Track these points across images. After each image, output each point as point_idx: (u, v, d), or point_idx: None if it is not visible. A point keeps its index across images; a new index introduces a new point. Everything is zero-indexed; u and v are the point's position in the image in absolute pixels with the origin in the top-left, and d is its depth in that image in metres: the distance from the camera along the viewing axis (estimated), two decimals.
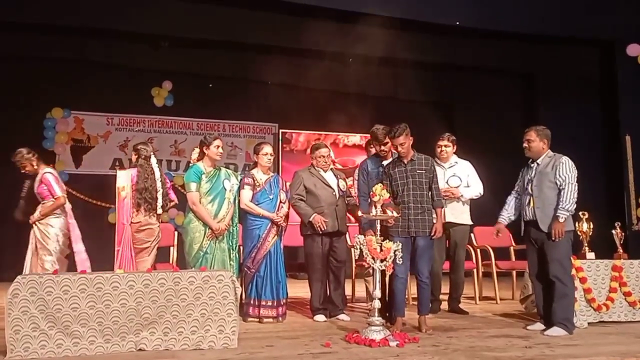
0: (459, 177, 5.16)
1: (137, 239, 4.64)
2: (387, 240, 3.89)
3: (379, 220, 3.96)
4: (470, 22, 7.66)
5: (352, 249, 4.01)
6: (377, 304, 3.85)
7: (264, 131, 9.88)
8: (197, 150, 4.81)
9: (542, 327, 4.23)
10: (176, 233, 5.84)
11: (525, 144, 4.35)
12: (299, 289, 6.27)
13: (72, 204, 5.08)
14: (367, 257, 3.85)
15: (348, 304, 5.45)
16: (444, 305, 5.33)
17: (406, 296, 4.96)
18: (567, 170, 4.18)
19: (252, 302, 4.62)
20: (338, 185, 4.88)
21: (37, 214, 4.94)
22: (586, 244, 4.74)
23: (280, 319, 4.63)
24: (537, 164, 4.32)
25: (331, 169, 4.99)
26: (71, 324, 3.37)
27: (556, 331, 4.06)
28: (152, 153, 4.85)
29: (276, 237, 4.71)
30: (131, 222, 4.63)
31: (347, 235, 5.12)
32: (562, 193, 4.14)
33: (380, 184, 4.05)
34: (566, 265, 4.22)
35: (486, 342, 3.82)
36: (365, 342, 3.65)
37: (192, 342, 3.50)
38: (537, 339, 3.94)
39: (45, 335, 3.34)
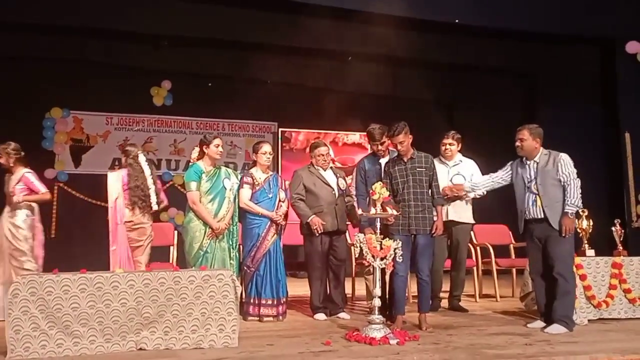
0: (463, 176, 5.15)
1: (129, 239, 4.66)
2: (387, 239, 3.89)
3: (378, 219, 3.96)
4: (471, 21, 7.65)
5: (352, 248, 4.01)
6: (377, 302, 3.85)
7: (263, 130, 9.88)
8: (196, 149, 4.81)
9: (542, 324, 4.23)
10: (176, 232, 5.84)
11: (517, 143, 4.34)
12: (299, 288, 6.26)
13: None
14: (367, 255, 3.85)
15: (348, 303, 5.46)
16: (444, 303, 5.34)
17: (406, 294, 4.96)
18: (569, 167, 4.23)
19: (252, 301, 4.62)
20: (337, 184, 4.88)
21: (16, 198, 4.93)
22: (586, 241, 4.75)
23: (280, 317, 4.63)
24: (536, 162, 4.32)
25: (331, 167, 4.99)
26: (71, 323, 3.37)
27: (556, 328, 4.06)
28: (139, 152, 4.86)
29: (276, 235, 4.71)
30: (125, 221, 4.67)
31: (347, 234, 5.12)
32: (568, 189, 4.18)
33: (379, 182, 4.05)
34: (570, 262, 4.25)
35: (486, 339, 3.82)
36: (365, 340, 3.65)
37: (192, 341, 3.51)
38: (537, 336, 3.95)
39: (45, 335, 3.34)
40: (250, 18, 7.72)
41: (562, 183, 4.21)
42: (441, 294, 5.31)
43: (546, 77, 9.21)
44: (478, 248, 6.06)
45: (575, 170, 4.24)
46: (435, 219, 4.26)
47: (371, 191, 3.98)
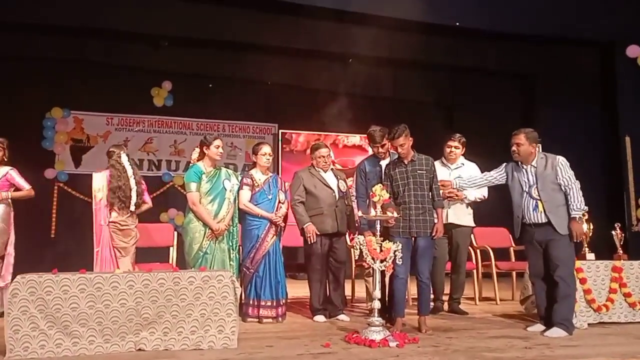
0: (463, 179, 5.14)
1: (115, 239, 4.70)
2: (387, 241, 3.89)
3: (378, 221, 3.95)
4: (471, 23, 7.66)
5: (352, 250, 4.00)
6: (376, 304, 3.84)
7: (263, 131, 9.88)
8: (197, 150, 4.81)
9: (542, 327, 4.22)
10: (176, 233, 5.83)
11: (514, 148, 4.31)
12: (298, 290, 6.26)
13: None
14: (367, 257, 3.85)
15: (348, 305, 5.45)
16: (445, 306, 5.33)
17: (406, 297, 4.95)
18: (568, 170, 4.23)
19: (251, 302, 4.61)
20: (338, 186, 4.87)
21: (5, 194, 5.00)
22: (586, 245, 4.73)
23: (279, 319, 4.62)
24: (534, 166, 4.30)
25: (331, 169, 4.99)
26: (70, 323, 3.36)
27: (556, 332, 4.05)
28: (122, 153, 4.89)
29: (275, 237, 4.70)
30: (110, 222, 4.71)
31: (347, 236, 5.12)
32: (570, 194, 4.17)
33: (379, 185, 4.04)
34: (571, 266, 4.24)
35: (486, 342, 3.81)
36: (365, 342, 3.64)
37: (191, 342, 3.50)
38: (537, 339, 3.94)
39: (44, 335, 3.33)
40: (251, 19, 7.74)
41: (563, 187, 4.20)
42: (442, 297, 5.30)
43: (546, 80, 9.22)
44: (478, 251, 6.05)
45: (573, 173, 4.23)
46: (435, 221, 4.25)
47: (371, 193, 3.97)
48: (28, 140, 8.46)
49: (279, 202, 4.77)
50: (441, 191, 4.48)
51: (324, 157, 4.87)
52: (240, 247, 4.84)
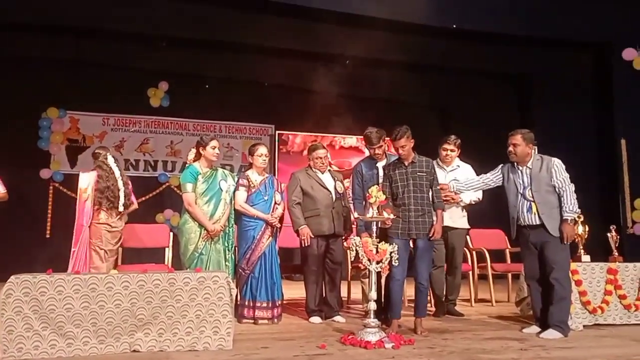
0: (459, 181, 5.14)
1: (103, 240, 4.73)
2: (383, 242, 3.88)
3: (375, 222, 3.95)
4: (467, 25, 7.67)
5: (348, 251, 4.00)
6: (372, 305, 3.84)
7: (260, 132, 9.88)
8: (193, 150, 4.80)
9: (538, 329, 4.22)
10: (171, 234, 5.82)
11: (510, 148, 4.31)
12: (294, 291, 6.25)
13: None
14: (363, 258, 3.85)
15: (344, 306, 5.44)
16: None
17: (402, 298, 4.95)
18: (563, 173, 4.23)
19: (247, 303, 4.60)
20: (335, 187, 4.87)
21: None
22: (582, 247, 4.75)
23: (275, 320, 4.61)
24: (529, 168, 4.31)
25: (329, 170, 4.98)
26: (65, 324, 3.35)
27: (552, 334, 4.06)
28: (108, 154, 4.96)
29: (271, 238, 4.69)
30: (98, 223, 4.73)
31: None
32: (564, 196, 4.18)
33: (376, 186, 4.04)
34: (566, 268, 4.25)
35: (482, 344, 3.81)
36: (360, 343, 3.64)
37: (186, 343, 3.49)
38: (532, 341, 3.94)
39: (38, 335, 3.31)
40: (248, 20, 7.72)
41: (557, 189, 4.21)
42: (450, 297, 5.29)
43: (542, 81, 9.24)
44: (474, 253, 6.06)
45: (568, 175, 4.24)
46: (434, 222, 4.24)
47: (367, 194, 3.97)
48: (24, 140, 8.45)
49: (275, 203, 4.76)
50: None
51: (321, 158, 4.86)
52: (236, 248, 4.83)
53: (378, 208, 3.92)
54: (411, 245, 4.26)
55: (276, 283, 4.66)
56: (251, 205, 4.67)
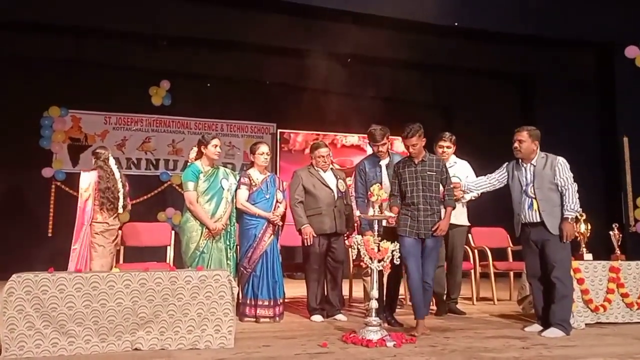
0: (458, 178, 5.13)
1: (101, 240, 4.78)
2: (385, 240, 3.88)
3: (376, 221, 3.94)
4: (469, 24, 7.65)
5: (350, 249, 3.99)
6: (374, 304, 3.83)
7: (262, 131, 9.87)
8: (195, 149, 4.80)
9: (540, 328, 4.22)
10: (173, 232, 5.82)
11: (516, 144, 4.31)
12: (296, 289, 6.25)
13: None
14: (365, 257, 3.84)
15: (345, 304, 5.44)
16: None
17: (402, 295, 4.96)
18: (566, 171, 4.22)
19: (248, 301, 4.60)
20: (337, 186, 4.86)
21: None
22: (584, 245, 4.74)
23: (277, 319, 4.61)
24: (533, 165, 4.30)
25: (331, 168, 4.97)
26: (67, 323, 3.35)
27: (554, 332, 4.05)
28: (109, 155, 5.06)
29: (272, 236, 4.69)
30: (96, 222, 4.79)
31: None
32: (566, 194, 4.17)
33: (377, 184, 4.03)
34: (567, 266, 4.24)
35: (483, 342, 3.81)
36: (362, 342, 3.64)
37: (188, 342, 3.49)
38: (534, 340, 3.94)
39: (40, 334, 3.32)
40: (250, 19, 7.72)
41: (560, 187, 4.20)
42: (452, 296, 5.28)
43: (544, 81, 9.23)
44: (476, 251, 6.05)
45: (572, 175, 4.23)
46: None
47: (369, 193, 3.96)
48: (26, 139, 8.45)
49: (277, 201, 4.76)
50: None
51: (323, 156, 4.85)
52: (238, 247, 4.83)
53: (380, 206, 3.91)
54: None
55: (278, 281, 4.66)
56: (253, 204, 4.67)
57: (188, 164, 4.82)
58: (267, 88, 9.49)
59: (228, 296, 3.57)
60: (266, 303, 4.58)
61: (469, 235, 5.83)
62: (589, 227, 4.74)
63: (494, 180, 4.56)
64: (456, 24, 7.60)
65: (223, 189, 4.67)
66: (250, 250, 4.62)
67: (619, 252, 4.86)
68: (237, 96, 9.39)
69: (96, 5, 7.19)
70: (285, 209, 4.85)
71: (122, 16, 7.33)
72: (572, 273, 4.36)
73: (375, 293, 3.85)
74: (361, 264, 4.24)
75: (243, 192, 4.69)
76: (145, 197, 8.96)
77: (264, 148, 4.80)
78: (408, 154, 4.31)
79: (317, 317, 4.70)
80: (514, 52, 8.77)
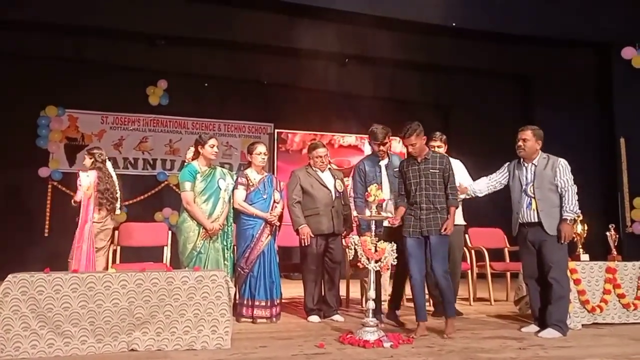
0: None
1: (97, 240, 4.83)
2: (382, 241, 3.87)
3: (374, 221, 3.94)
4: (468, 24, 7.66)
5: (347, 250, 3.98)
6: (371, 304, 3.83)
7: (259, 131, 9.86)
8: (192, 149, 4.79)
9: (536, 328, 4.22)
10: (170, 232, 5.81)
11: (520, 143, 4.31)
12: (293, 290, 6.25)
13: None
14: (362, 257, 3.84)
15: (342, 305, 5.44)
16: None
17: (402, 296, 4.95)
18: (567, 173, 4.23)
19: (245, 302, 4.60)
20: (335, 186, 4.85)
21: None
22: (580, 246, 4.75)
23: (274, 319, 4.61)
24: (534, 165, 4.31)
25: (329, 168, 4.97)
26: (62, 323, 3.34)
27: (550, 333, 4.06)
28: (106, 158, 5.17)
29: (270, 237, 4.69)
30: (93, 222, 4.75)
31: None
32: (566, 196, 4.17)
33: (375, 185, 4.02)
34: (564, 267, 4.25)
35: (480, 343, 3.81)
36: (359, 343, 3.63)
37: (184, 343, 3.48)
38: (531, 340, 3.94)
39: (36, 334, 3.31)
40: (247, 18, 7.71)
41: (559, 189, 4.21)
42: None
43: (543, 81, 9.24)
44: (473, 251, 6.06)
45: (572, 177, 4.24)
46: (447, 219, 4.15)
47: (366, 193, 3.95)
48: (22, 139, 8.43)
49: (274, 201, 4.76)
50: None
51: (321, 157, 4.85)
52: (235, 247, 4.82)
53: (379, 207, 3.90)
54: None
55: (275, 282, 4.65)
56: (250, 204, 4.66)
57: (185, 164, 4.81)
58: (264, 88, 9.48)
59: (225, 297, 3.56)
60: (263, 303, 4.57)
61: (466, 236, 5.82)
62: (586, 227, 4.74)
63: (496, 181, 4.55)
64: (454, 24, 7.60)
65: (220, 189, 4.66)
66: (247, 251, 4.61)
67: (615, 252, 4.87)
68: (235, 96, 9.38)
69: (93, 4, 7.18)
70: (283, 209, 4.84)
71: (119, 16, 7.31)
72: (568, 274, 4.36)
73: (372, 294, 3.85)
74: (358, 264, 4.24)
75: (240, 192, 4.68)
76: (142, 197, 8.94)
77: (261, 148, 4.80)
78: (407, 154, 4.30)
79: (314, 318, 4.70)
80: (513, 53, 8.77)
